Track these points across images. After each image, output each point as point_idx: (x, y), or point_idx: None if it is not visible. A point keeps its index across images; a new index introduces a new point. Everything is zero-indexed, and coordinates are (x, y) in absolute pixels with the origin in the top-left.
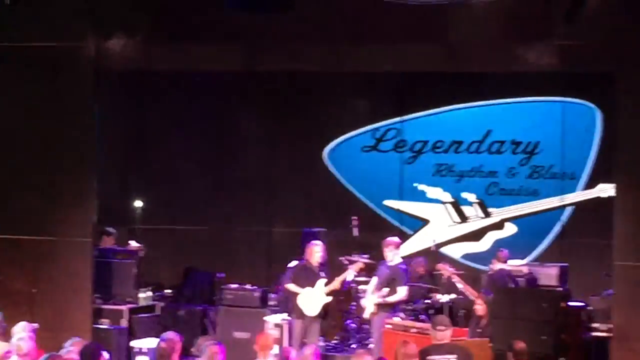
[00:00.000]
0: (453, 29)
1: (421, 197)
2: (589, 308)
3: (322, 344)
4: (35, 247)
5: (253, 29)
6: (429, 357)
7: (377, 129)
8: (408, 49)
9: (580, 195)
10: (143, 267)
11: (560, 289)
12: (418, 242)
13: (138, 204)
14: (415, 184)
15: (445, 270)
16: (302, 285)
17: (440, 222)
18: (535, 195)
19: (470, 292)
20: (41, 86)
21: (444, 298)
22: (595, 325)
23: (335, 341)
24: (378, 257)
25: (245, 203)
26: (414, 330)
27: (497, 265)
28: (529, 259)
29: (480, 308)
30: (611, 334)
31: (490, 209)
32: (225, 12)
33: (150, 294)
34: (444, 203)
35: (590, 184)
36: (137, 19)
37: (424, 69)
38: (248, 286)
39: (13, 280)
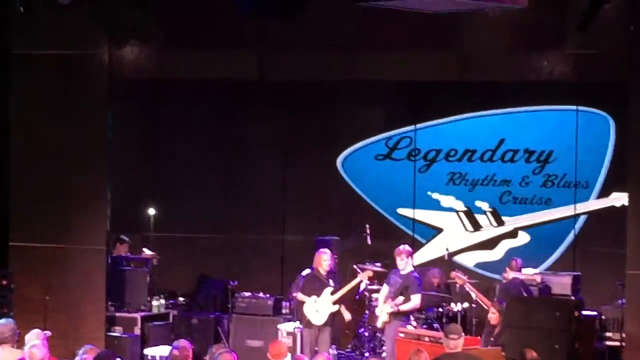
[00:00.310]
0: (467, 38)
1: (435, 205)
2: (602, 317)
3: (334, 352)
4: (48, 255)
5: (266, 37)
6: None
7: (390, 137)
8: (422, 57)
9: (593, 204)
10: (156, 275)
11: (574, 298)
12: (432, 250)
13: (151, 211)
14: (428, 193)
15: (458, 278)
16: (309, 294)
17: (454, 231)
18: (548, 204)
19: (484, 301)
20: (55, 94)
21: (457, 307)
22: (608, 334)
23: (348, 350)
24: (391, 265)
25: (258, 211)
26: (427, 338)
27: (511, 274)
28: (542, 267)
29: (493, 317)
30: (624, 344)
31: (503, 218)
32: (237, 20)
33: (163, 301)
34: (457, 212)
35: (603, 193)
36: (150, 28)
37: (438, 77)
38: (261, 294)
39: (26, 287)
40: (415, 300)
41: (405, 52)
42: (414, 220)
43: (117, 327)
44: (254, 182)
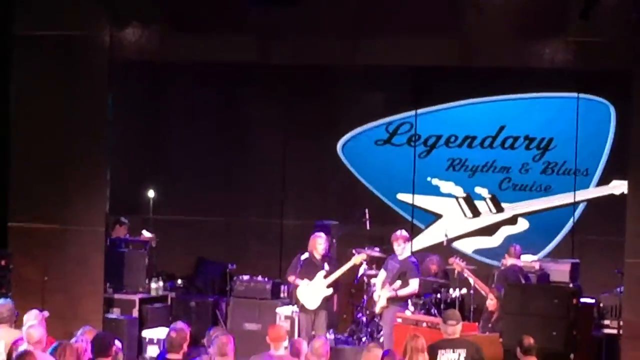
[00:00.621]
0: (468, 23)
1: (434, 191)
2: (600, 305)
3: (332, 336)
4: (47, 236)
5: (268, 20)
6: (439, 351)
7: (390, 122)
8: (423, 42)
9: (593, 191)
10: (155, 257)
11: (572, 285)
12: (431, 236)
13: (151, 194)
14: (428, 178)
15: (457, 264)
16: (303, 278)
17: (453, 217)
18: (548, 191)
19: (482, 287)
20: (56, 75)
21: (455, 293)
22: (606, 322)
23: (345, 334)
24: (390, 250)
25: (257, 195)
26: (425, 324)
27: (509, 261)
28: (541, 254)
29: (491, 303)
30: (621, 331)
31: (503, 204)
32: (239, 3)
33: (161, 284)
34: (456, 198)
35: (603, 181)
36: (152, 10)
37: (439, 63)
38: (259, 278)
39: (25, 268)
40: (414, 285)
41: (406, 38)
42: (413, 205)
43: (115, 309)
44: (254, 165)
